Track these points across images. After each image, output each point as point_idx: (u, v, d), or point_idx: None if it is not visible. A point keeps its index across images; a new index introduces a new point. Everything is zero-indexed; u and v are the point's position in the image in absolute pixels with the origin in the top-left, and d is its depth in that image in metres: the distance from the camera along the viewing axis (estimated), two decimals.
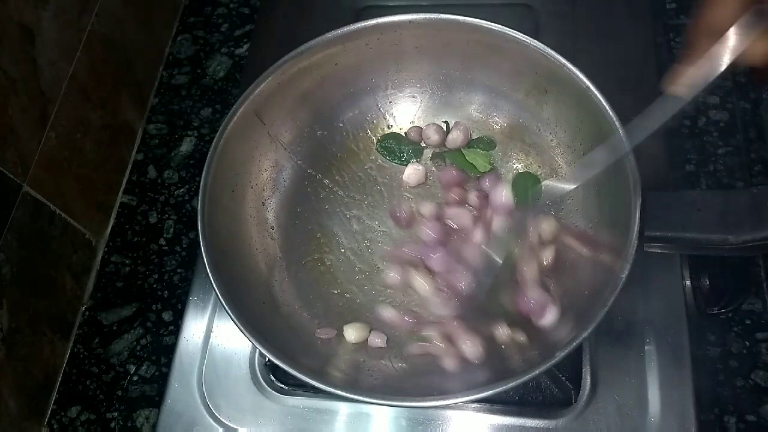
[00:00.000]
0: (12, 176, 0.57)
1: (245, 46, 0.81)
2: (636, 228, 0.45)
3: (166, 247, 0.70)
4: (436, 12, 0.56)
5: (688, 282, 0.58)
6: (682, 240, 0.44)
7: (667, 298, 0.58)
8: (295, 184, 0.61)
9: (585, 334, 0.43)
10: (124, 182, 0.75)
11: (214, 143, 0.53)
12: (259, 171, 0.58)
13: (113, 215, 0.73)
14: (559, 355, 0.43)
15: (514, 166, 0.60)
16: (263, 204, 0.58)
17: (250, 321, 0.48)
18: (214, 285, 0.48)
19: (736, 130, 0.68)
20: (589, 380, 0.55)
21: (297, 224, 0.60)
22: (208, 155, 0.52)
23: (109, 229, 0.72)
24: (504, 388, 0.43)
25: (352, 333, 0.53)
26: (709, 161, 0.67)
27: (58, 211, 0.64)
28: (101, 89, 0.71)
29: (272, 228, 0.59)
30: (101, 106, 0.71)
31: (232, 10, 0.85)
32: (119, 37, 0.73)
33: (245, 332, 0.46)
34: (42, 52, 0.61)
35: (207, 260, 0.49)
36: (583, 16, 0.75)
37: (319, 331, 0.53)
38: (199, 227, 0.50)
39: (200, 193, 0.51)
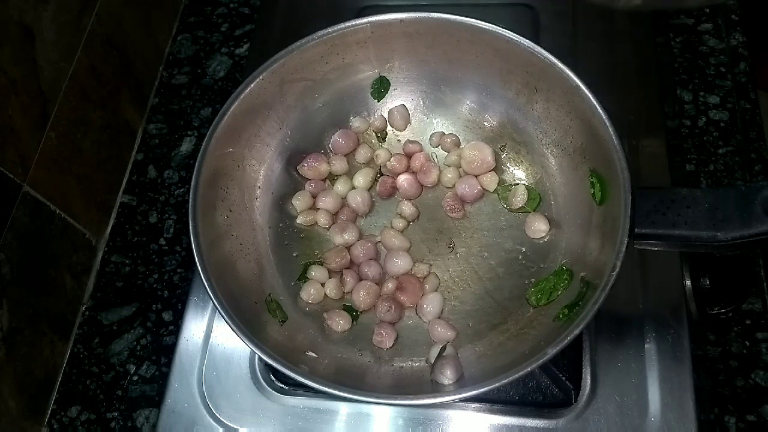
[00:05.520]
0: (12, 176, 0.57)
1: (245, 46, 0.81)
2: (626, 225, 0.45)
3: (166, 247, 0.70)
4: (434, 12, 0.56)
5: (688, 282, 0.58)
6: (672, 237, 0.45)
7: (668, 298, 0.58)
8: (286, 183, 0.61)
9: (577, 331, 0.43)
10: (124, 182, 0.75)
11: (204, 142, 0.53)
12: (249, 170, 0.59)
13: (113, 215, 0.73)
14: (551, 352, 0.43)
15: (506, 164, 0.60)
16: (254, 203, 0.59)
17: (246, 323, 0.48)
18: (211, 295, 0.48)
19: (736, 130, 0.68)
20: (589, 380, 0.55)
21: (287, 223, 0.60)
22: (199, 155, 0.53)
23: (109, 229, 0.72)
24: (497, 384, 0.43)
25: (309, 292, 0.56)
26: (709, 161, 0.67)
27: (58, 211, 0.64)
28: (101, 89, 0.71)
29: (266, 227, 0.59)
30: (101, 106, 0.71)
31: (232, 10, 0.85)
32: (119, 37, 0.73)
33: (243, 337, 0.47)
34: (42, 52, 0.61)
35: (200, 266, 0.49)
36: (583, 16, 0.75)
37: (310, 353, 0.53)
38: (191, 227, 0.50)
39: (191, 192, 0.51)
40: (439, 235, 0.59)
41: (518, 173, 0.60)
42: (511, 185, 0.59)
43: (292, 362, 0.47)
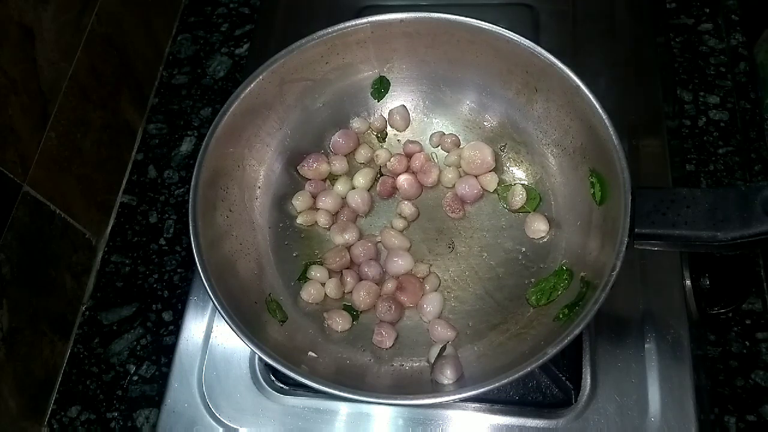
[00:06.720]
0: (12, 176, 0.57)
1: (245, 46, 0.81)
2: (626, 225, 0.45)
3: (166, 247, 0.70)
4: (434, 12, 0.56)
5: (688, 282, 0.58)
6: (672, 237, 0.45)
7: (668, 298, 0.58)
8: (286, 183, 0.61)
9: (577, 331, 0.43)
10: (124, 182, 0.75)
11: (204, 142, 0.53)
12: (249, 170, 0.58)
13: (113, 215, 0.73)
14: (551, 352, 0.43)
15: (506, 164, 0.60)
16: (254, 203, 0.59)
17: (246, 323, 0.48)
18: (211, 295, 0.48)
19: (736, 130, 0.68)
20: (589, 380, 0.55)
21: (287, 223, 0.60)
22: (199, 155, 0.53)
23: (109, 229, 0.72)
24: (497, 384, 0.43)
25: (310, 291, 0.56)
26: (709, 161, 0.67)
27: (58, 211, 0.64)
28: (101, 89, 0.71)
29: (266, 227, 0.59)
30: (101, 106, 0.71)
31: (232, 10, 0.85)
32: (119, 37, 0.73)
33: (243, 337, 0.47)
34: (42, 52, 0.61)
35: (200, 266, 0.49)
36: (583, 16, 0.75)
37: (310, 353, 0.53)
38: (191, 227, 0.50)
39: (191, 192, 0.51)
40: (439, 235, 0.59)
41: (518, 173, 0.60)
42: (511, 185, 0.59)
43: (292, 362, 0.47)
